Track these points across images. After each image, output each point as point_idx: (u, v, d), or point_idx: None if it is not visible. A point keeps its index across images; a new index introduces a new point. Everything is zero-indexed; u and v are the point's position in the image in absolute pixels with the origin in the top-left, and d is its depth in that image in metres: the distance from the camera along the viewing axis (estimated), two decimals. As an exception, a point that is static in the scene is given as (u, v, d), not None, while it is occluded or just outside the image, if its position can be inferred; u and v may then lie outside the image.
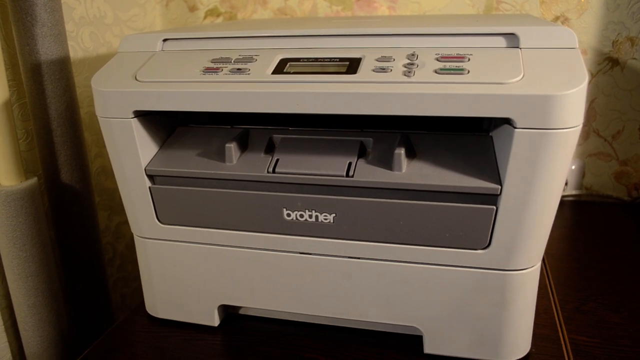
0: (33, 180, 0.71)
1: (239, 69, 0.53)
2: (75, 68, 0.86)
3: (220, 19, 1.09)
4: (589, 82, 0.98)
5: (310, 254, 0.56)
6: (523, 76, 0.46)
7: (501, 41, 0.51)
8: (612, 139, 1.00)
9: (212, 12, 1.09)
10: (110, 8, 0.94)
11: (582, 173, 1.03)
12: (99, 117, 0.55)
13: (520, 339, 0.55)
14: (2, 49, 0.72)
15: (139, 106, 0.53)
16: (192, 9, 1.10)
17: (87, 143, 0.89)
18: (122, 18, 0.97)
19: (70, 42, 0.84)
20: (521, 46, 0.50)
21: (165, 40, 0.59)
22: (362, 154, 0.54)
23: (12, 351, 0.77)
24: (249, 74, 0.52)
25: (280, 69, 0.52)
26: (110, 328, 0.64)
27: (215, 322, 0.63)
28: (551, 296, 0.67)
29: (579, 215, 0.96)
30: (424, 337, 0.57)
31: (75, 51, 0.86)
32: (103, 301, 0.86)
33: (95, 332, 0.85)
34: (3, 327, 0.76)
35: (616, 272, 0.75)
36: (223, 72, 0.53)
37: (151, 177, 0.57)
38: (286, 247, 0.56)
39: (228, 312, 0.65)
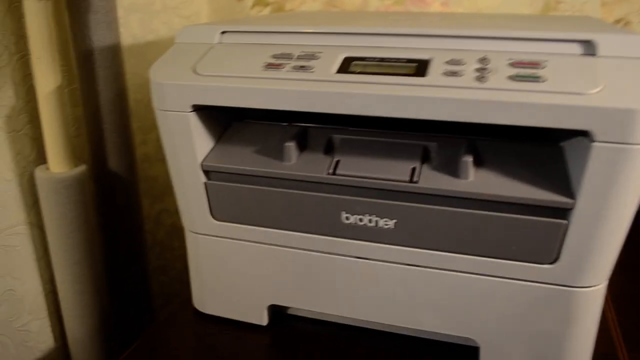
0: (83, 168, 0.71)
1: (302, 66, 0.51)
2: (123, 55, 0.85)
3: (268, 9, 1.07)
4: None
5: (367, 258, 0.55)
6: (603, 87, 0.44)
7: (576, 48, 0.48)
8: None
9: (260, 2, 1.07)
10: (159, -5, 0.93)
11: None
12: (156, 110, 0.55)
13: (581, 358, 0.53)
14: (56, 35, 0.72)
15: (198, 100, 0.53)
16: (239, -3, 1.08)
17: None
18: (170, 5, 0.96)
19: (119, 29, 0.84)
20: (598, 54, 0.47)
21: (223, 32, 0.57)
22: (425, 158, 0.52)
23: (54, 336, 0.78)
24: (313, 71, 0.50)
25: (344, 68, 0.50)
26: (156, 321, 0.64)
27: (264, 321, 0.62)
28: (609, 313, 0.65)
29: None
30: (480, 349, 0.55)
31: (124, 38, 0.86)
32: (143, 289, 0.86)
33: (134, 319, 0.85)
34: (47, 311, 0.76)
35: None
36: (285, 68, 0.51)
37: (207, 173, 0.57)
38: (342, 250, 0.55)
39: (276, 311, 0.64)
